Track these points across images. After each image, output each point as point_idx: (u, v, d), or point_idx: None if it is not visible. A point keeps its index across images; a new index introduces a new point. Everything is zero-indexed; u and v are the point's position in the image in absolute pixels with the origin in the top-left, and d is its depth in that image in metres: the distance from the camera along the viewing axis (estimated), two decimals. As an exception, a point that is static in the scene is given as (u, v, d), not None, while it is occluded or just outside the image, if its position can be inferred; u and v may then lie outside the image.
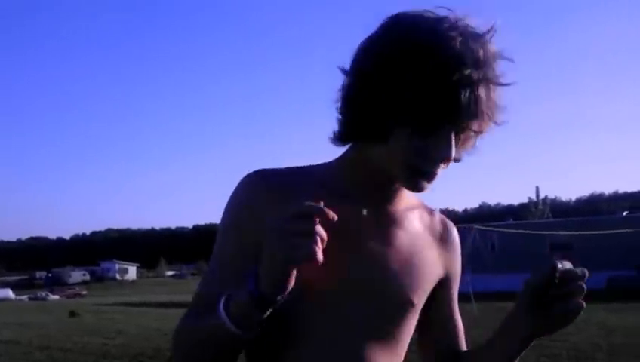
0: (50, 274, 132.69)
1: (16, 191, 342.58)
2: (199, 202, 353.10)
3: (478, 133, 1.46)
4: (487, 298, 27.08)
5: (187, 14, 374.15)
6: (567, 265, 1.47)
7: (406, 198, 1.66)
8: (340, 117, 1.52)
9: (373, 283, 1.55)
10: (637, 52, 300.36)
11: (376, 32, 1.48)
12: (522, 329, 1.52)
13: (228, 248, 1.63)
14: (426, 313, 1.71)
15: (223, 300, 1.41)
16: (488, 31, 1.44)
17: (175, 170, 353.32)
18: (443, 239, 1.73)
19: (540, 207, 67.61)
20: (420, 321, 1.70)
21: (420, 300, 1.63)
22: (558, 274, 1.44)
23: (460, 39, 1.39)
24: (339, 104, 1.52)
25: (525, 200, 76.12)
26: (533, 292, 1.49)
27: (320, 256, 1.30)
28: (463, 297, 10.58)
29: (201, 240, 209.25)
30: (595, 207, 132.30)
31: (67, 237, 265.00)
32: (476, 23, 1.45)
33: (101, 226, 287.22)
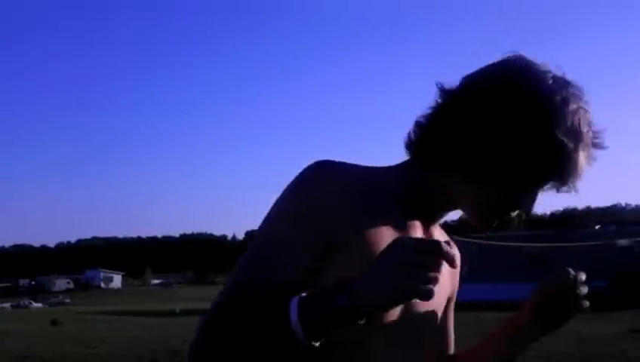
0: (33, 282, 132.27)
1: (1, 198, 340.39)
2: (186, 211, 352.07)
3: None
4: (464, 308, 27.19)
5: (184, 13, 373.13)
6: (582, 275, 1.54)
7: (437, 228, 1.66)
8: (431, 136, 1.47)
9: (422, 315, 1.52)
10: (612, 66, 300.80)
11: (495, 76, 1.45)
12: (527, 332, 1.61)
13: (284, 237, 1.41)
14: None
15: (296, 302, 1.26)
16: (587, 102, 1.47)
17: (162, 178, 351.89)
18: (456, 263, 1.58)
19: (516, 219, 68.33)
20: None
21: (443, 328, 1.70)
22: (571, 278, 1.54)
23: (576, 106, 1.42)
24: (433, 122, 1.48)
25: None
26: (545, 293, 1.56)
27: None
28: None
29: (187, 250, 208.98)
30: (568, 221, 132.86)
31: (52, 245, 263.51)
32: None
33: (87, 234, 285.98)
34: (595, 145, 1.45)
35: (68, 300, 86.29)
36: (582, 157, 1.42)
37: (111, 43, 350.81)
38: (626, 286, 38.18)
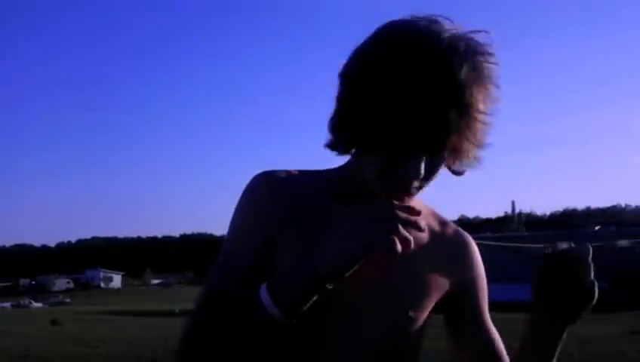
0: (33, 282, 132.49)
1: (1, 198, 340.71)
2: (186, 211, 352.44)
3: (467, 144, 1.38)
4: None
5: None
6: (564, 245, 1.52)
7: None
8: (330, 123, 1.46)
9: (381, 298, 1.52)
10: (614, 66, 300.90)
11: (368, 38, 1.42)
12: (544, 320, 1.60)
13: (238, 246, 1.55)
14: (453, 326, 1.69)
15: (264, 286, 1.37)
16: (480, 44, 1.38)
17: (162, 179, 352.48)
18: (455, 249, 1.66)
19: (517, 220, 68.63)
20: (450, 334, 1.70)
21: (419, 313, 1.57)
22: (550, 253, 1.55)
23: (450, 47, 1.32)
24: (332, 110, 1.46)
25: (502, 214, 77.09)
26: (540, 285, 1.58)
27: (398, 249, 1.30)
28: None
29: (187, 250, 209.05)
30: (568, 222, 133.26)
31: (52, 244, 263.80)
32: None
33: (87, 234, 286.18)
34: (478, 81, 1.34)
35: (68, 300, 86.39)
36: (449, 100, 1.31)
37: (112, 44, 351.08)
38: (626, 287, 38.27)
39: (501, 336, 1.66)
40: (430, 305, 1.58)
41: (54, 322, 30.21)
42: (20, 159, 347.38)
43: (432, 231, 1.63)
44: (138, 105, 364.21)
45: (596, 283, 1.54)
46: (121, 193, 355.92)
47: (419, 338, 1.61)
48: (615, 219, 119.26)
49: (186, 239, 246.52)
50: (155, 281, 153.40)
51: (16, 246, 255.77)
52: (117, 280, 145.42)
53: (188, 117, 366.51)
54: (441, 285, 1.60)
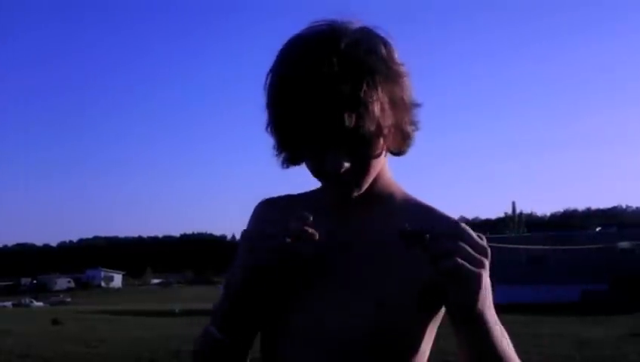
0: (35, 281, 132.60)
1: (3, 196, 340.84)
2: (187, 211, 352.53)
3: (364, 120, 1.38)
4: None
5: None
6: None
7: (388, 204, 1.61)
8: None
9: (343, 295, 1.53)
10: (604, 70, 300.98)
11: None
12: (449, 310, 1.46)
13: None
14: (452, 322, 1.53)
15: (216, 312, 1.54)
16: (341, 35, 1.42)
17: (163, 179, 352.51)
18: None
19: (516, 221, 68.62)
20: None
21: (392, 308, 1.50)
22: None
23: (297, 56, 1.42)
24: None
25: (502, 215, 77.06)
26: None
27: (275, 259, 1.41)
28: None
29: (188, 250, 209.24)
30: (568, 223, 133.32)
31: (54, 244, 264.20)
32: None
33: (88, 234, 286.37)
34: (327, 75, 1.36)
35: (69, 299, 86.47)
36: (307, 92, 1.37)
37: (107, 42, 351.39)
38: (626, 289, 38.28)
39: None
40: (408, 300, 1.51)
41: (55, 321, 30.29)
42: (21, 158, 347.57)
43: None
44: (141, 104, 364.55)
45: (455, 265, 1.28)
46: (122, 193, 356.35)
47: (406, 336, 1.53)
48: (616, 220, 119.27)
49: (186, 239, 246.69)
50: (156, 281, 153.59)
51: (18, 245, 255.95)
52: (117, 279, 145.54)
53: (190, 117, 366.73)
54: (416, 275, 1.51)
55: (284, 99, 1.41)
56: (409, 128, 1.50)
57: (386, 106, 1.42)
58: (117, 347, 18.96)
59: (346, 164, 1.43)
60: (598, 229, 60.87)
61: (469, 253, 1.28)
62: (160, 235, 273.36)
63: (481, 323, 1.36)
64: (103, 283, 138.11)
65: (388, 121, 1.43)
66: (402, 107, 1.47)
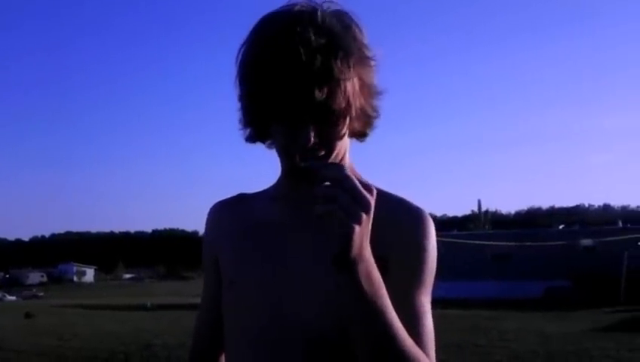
0: (7, 276, 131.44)
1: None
2: (158, 207, 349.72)
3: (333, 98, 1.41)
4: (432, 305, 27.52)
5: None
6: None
7: None
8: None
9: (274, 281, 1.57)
10: (569, 68, 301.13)
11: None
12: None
13: (204, 280, 1.85)
14: None
15: None
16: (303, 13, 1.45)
17: (135, 175, 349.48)
18: (381, 221, 1.40)
19: (482, 219, 69.19)
20: None
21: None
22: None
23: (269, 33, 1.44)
24: None
25: (468, 213, 77.64)
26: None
27: None
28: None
29: (159, 245, 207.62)
30: (532, 221, 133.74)
31: (26, 238, 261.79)
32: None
33: (61, 229, 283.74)
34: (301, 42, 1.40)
35: (41, 293, 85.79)
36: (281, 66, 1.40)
37: (88, 35, 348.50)
38: (588, 285, 38.59)
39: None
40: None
41: (28, 315, 30.12)
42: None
43: None
44: (112, 100, 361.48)
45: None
46: (94, 189, 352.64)
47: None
48: (579, 218, 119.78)
49: (157, 235, 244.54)
50: (127, 276, 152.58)
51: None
52: (90, 274, 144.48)
53: (163, 113, 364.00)
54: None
55: (256, 71, 1.43)
56: (373, 113, 1.54)
57: (356, 87, 1.45)
58: (89, 340, 19.01)
59: (314, 139, 1.44)
60: (561, 227, 61.25)
61: (347, 203, 1.24)
62: (132, 231, 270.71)
63: (356, 279, 1.31)
64: (75, 278, 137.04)
65: (357, 101, 1.46)
66: (369, 91, 1.50)
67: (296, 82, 1.38)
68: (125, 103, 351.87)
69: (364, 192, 1.25)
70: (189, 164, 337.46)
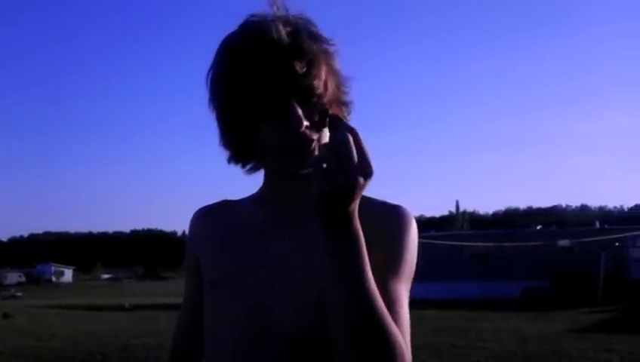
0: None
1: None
2: (137, 208, 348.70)
3: (313, 74, 1.48)
4: (410, 305, 27.55)
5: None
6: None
7: None
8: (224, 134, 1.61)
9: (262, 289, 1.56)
10: (546, 71, 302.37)
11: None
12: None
13: (186, 282, 1.85)
14: None
15: None
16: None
17: (114, 175, 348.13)
18: (368, 218, 1.42)
19: (460, 219, 69.57)
20: None
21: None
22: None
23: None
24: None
25: (446, 213, 78.02)
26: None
27: None
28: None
29: (138, 245, 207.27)
30: (510, 221, 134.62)
31: (4, 239, 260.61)
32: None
33: (39, 229, 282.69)
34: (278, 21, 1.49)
35: (19, 294, 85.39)
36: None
37: (68, 39, 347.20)
38: (566, 286, 38.80)
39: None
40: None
41: (5, 315, 29.92)
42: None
43: None
44: (90, 99, 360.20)
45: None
46: (72, 189, 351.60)
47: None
48: (556, 218, 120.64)
49: (136, 235, 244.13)
50: (106, 276, 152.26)
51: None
52: (68, 274, 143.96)
53: (142, 114, 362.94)
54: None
55: (232, 71, 1.49)
56: (346, 98, 1.59)
57: (326, 70, 1.52)
58: (67, 341, 18.92)
59: (306, 123, 1.46)
60: (538, 228, 61.63)
61: (348, 161, 1.24)
62: (110, 231, 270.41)
63: (345, 228, 1.30)
64: (53, 278, 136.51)
65: (331, 83, 1.52)
66: (338, 75, 1.56)
67: (274, 59, 1.44)
68: (104, 105, 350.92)
69: (369, 160, 1.26)
70: (168, 165, 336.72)
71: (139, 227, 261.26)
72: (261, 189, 1.71)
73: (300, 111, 1.45)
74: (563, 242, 44.64)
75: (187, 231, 1.82)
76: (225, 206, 1.78)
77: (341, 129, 1.29)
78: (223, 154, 1.62)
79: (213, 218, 1.76)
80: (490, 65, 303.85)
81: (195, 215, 1.80)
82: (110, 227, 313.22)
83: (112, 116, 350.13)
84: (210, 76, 1.56)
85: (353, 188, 1.24)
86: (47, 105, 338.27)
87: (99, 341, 18.40)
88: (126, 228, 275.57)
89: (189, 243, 1.79)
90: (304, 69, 1.45)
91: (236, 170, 1.64)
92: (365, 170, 1.26)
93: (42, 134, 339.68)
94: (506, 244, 42.32)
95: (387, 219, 1.58)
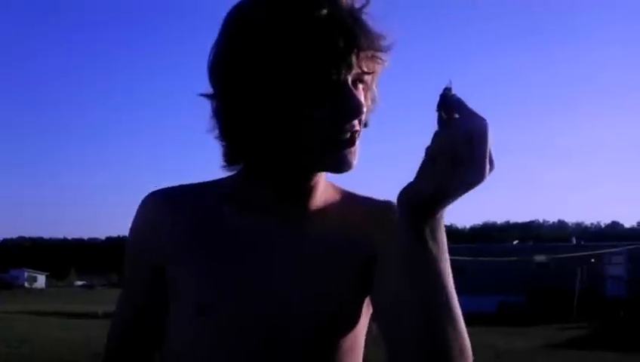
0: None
1: None
2: (112, 214, 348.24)
3: (371, 72, 1.27)
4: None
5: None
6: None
7: (323, 196, 1.43)
8: (229, 135, 1.34)
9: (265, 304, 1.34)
10: (523, 84, 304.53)
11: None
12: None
13: (127, 280, 1.63)
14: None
15: None
16: None
17: (89, 181, 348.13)
18: (370, 218, 1.41)
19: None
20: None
21: (336, 306, 1.37)
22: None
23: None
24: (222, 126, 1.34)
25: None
26: None
27: None
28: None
29: (113, 252, 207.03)
30: (487, 235, 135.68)
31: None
32: None
33: (13, 234, 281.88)
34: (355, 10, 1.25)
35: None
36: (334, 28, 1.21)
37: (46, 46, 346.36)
38: (542, 301, 38.94)
39: None
40: (347, 292, 1.38)
41: (-24, 321, 29.87)
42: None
43: (344, 213, 1.44)
44: (65, 107, 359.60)
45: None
46: (48, 194, 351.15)
47: (340, 340, 1.37)
48: (533, 234, 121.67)
49: (111, 242, 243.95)
50: (79, 283, 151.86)
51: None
52: (41, 280, 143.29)
53: (113, 121, 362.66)
54: (354, 259, 1.39)
55: (289, 40, 1.20)
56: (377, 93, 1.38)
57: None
58: (39, 347, 18.77)
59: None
60: (515, 242, 62.12)
61: (484, 154, 1.12)
62: (85, 237, 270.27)
63: (435, 230, 1.26)
64: (26, 284, 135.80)
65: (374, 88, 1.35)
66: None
67: (342, 26, 1.21)
68: (77, 109, 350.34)
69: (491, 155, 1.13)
70: (144, 171, 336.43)
71: (114, 234, 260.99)
72: (235, 188, 1.42)
73: (360, 96, 1.27)
74: (539, 257, 44.79)
75: (138, 222, 1.47)
76: (188, 196, 1.44)
77: (472, 115, 1.14)
78: (219, 149, 1.36)
79: (183, 213, 1.41)
80: (468, 75, 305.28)
81: (155, 201, 1.44)
82: (85, 233, 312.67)
83: (89, 123, 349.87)
84: (231, 50, 1.28)
85: (475, 185, 1.14)
86: (23, 111, 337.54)
87: (70, 348, 18.29)
88: (101, 234, 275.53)
89: (146, 241, 1.46)
90: (373, 39, 1.24)
91: (218, 173, 1.41)
92: (492, 164, 1.14)
93: (18, 140, 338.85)
94: (482, 259, 42.40)
95: (389, 219, 1.40)
